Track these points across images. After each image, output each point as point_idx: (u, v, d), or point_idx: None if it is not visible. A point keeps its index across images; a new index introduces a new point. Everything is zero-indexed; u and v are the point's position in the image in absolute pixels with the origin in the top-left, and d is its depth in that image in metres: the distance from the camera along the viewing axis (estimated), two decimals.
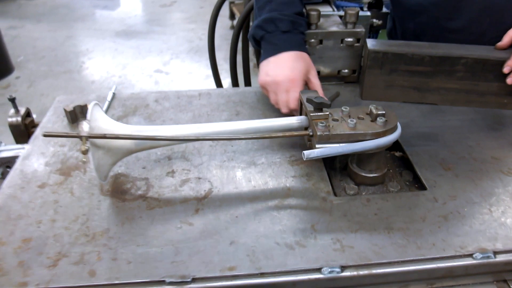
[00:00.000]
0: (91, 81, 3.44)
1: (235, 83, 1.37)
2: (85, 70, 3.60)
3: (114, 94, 1.06)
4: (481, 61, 0.98)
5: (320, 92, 0.92)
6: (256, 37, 0.99)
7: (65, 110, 0.94)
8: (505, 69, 0.96)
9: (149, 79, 3.44)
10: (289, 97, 0.91)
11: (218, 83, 1.41)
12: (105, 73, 3.53)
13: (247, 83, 1.38)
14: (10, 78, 3.44)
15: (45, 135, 0.66)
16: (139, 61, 3.72)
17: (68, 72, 3.55)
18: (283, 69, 0.92)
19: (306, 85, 0.95)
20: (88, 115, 0.70)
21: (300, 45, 0.97)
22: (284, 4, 0.96)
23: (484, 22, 1.08)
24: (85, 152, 0.66)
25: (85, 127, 0.68)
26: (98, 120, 0.72)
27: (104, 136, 0.67)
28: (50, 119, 0.99)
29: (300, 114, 0.85)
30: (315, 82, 0.95)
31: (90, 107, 0.71)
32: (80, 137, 0.67)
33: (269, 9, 0.96)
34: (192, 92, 1.08)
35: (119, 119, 0.98)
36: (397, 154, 0.92)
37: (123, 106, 1.03)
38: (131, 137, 0.71)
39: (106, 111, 1.01)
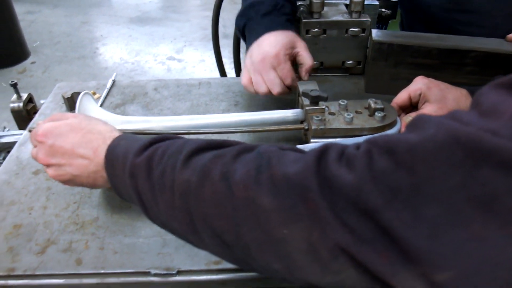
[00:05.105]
0: (104, 67, 3.45)
1: (238, 73, 1.34)
2: (98, 56, 3.62)
3: (114, 81, 1.05)
4: (492, 54, 0.94)
5: (310, 64, 0.86)
6: (239, 28, 0.93)
7: (63, 97, 0.94)
8: None
9: (162, 66, 3.44)
10: (278, 74, 0.83)
11: (222, 72, 1.39)
12: (118, 59, 3.54)
13: None
14: (26, 63, 3.48)
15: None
16: (152, 48, 3.72)
17: (82, 58, 3.57)
18: (263, 48, 0.84)
19: (295, 59, 0.88)
20: (77, 106, 0.69)
21: (282, 24, 0.88)
22: None
23: (497, 15, 1.04)
24: None
25: None
26: (86, 111, 0.71)
27: None
28: (49, 106, 0.99)
29: (297, 107, 0.83)
30: (304, 54, 0.87)
31: (79, 97, 0.70)
32: None
33: None
34: (192, 81, 1.07)
35: (116, 107, 0.97)
36: None
37: (122, 94, 1.02)
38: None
39: (105, 99, 1.00)
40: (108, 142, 0.56)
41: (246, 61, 0.88)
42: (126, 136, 0.57)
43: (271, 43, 0.84)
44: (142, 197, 0.49)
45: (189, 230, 0.45)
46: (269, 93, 0.84)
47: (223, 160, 0.43)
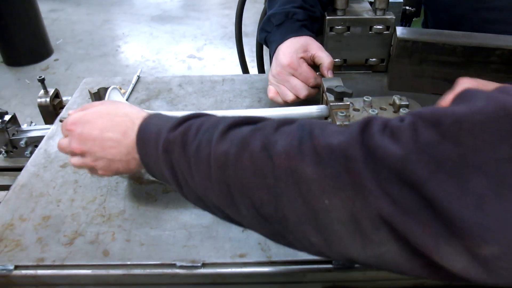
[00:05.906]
0: (126, 65, 3.50)
1: (261, 70, 1.35)
2: (120, 54, 3.67)
3: (138, 77, 1.07)
4: None
5: (329, 61, 0.87)
6: (262, 42, 0.96)
7: (89, 92, 0.96)
8: None
9: (182, 64, 3.47)
10: (299, 79, 0.85)
11: (245, 70, 1.40)
12: (139, 57, 3.59)
13: None
14: (49, 60, 3.56)
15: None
16: (173, 46, 3.76)
17: (104, 56, 3.62)
18: (279, 60, 0.87)
19: (314, 62, 0.89)
20: (106, 99, 0.70)
21: (296, 31, 0.90)
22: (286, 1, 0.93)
23: None
24: None
25: None
26: None
27: None
28: (76, 101, 1.01)
29: (321, 103, 0.83)
30: (320, 55, 0.87)
31: (108, 92, 0.72)
32: None
33: (274, 7, 0.95)
34: (215, 77, 1.08)
35: (141, 102, 0.99)
36: None
37: (146, 90, 1.04)
38: None
39: (130, 94, 1.02)
40: (137, 122, 0.57)
41: (269, 76, 0.92)
42: (157, 115, 0.58)
43: (284, 53, 0.87)
44: (176, 172, 0.49)
45: (226, 202, 0.45)
46: (298, 99, 0.86)
47: (263, 132, 0.43)
